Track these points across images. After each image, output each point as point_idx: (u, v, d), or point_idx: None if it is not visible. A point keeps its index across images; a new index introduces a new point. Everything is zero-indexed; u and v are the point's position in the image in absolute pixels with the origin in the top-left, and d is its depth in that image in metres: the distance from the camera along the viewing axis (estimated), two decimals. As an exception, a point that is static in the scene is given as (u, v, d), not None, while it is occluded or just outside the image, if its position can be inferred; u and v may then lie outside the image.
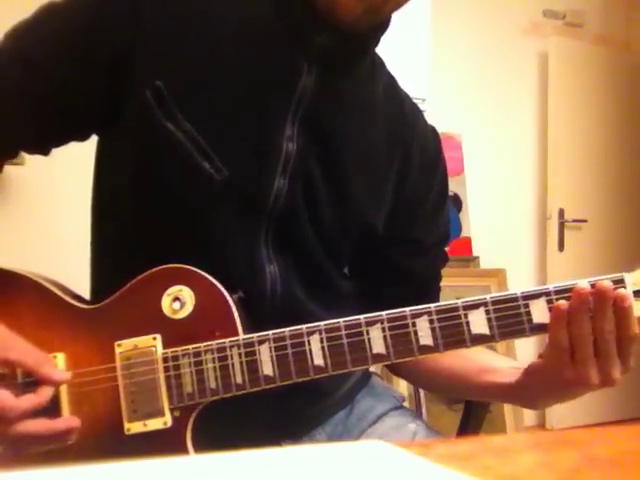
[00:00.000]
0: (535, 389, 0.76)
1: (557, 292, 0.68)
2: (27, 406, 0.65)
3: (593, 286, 0.67)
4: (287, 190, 0.76)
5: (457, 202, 3.12)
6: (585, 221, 3.37)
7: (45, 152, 0.81)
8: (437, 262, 0.94)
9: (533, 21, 3.45)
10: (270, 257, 0.77)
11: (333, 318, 0.77)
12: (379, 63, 0.88)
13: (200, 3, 0.77)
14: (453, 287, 2.48)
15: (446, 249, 0.95)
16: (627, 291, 0.66)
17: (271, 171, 0.76)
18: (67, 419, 0.69)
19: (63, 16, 0.75)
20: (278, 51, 0.76)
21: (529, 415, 3.19)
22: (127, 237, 0.79)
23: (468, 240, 3.10)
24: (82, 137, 0.80)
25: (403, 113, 0.88)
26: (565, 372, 0.68)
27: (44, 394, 0.67)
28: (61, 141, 0.80)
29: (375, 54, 0.86)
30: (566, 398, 0.74)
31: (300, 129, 0.77)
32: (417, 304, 0.86)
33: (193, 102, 0.74)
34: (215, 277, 0.72)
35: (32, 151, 0.82)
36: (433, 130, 0.92)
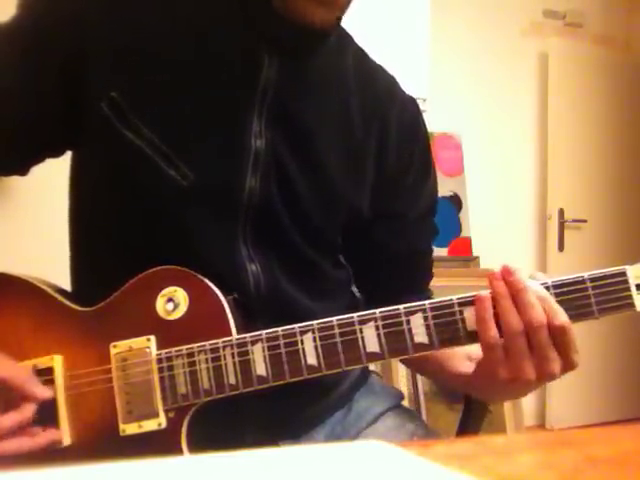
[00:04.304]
0: (481, 387, 0.75)
1: (555, 287, 0.67)
2: (11, 425, 0.66)
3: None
4: (260, 187, 0.75)
5: (457, 202, 3.12)
6: (585, 221, 3.38)
7: (24, 172, 0.81)
8: (424, 236, 0.92)
9: (533, 21, 3.45)
10: (251, 256, 0.76)
11: (327, 308, 0.77)
12: (345, 35, 0.85)
13: (151, 6, 0.75)
14: (453, 287, 2.46)
15: (434, 220, 0.92)
16: (521, 277, 0.66)
17: (241, 170, 0.75)
18: (48, 434, 0.69)
19: (9, 39, 0.74)
20: (236, 48, 0.75)
21: (529, 415, 3.19)
22: (110, 245, 0.78)
23: (468, 240, 3.10)
24: (56, 153, 0.80)
25: (376, 83, 0.86)
26: (499, 371, 0.67)
27: (27, 411, 0.67)
28: (37, 160, 0.80)
29: (341, 28, 0.83)
30: (512, 396, 0.72)
31: (268, 123, 0.76)
32: (408, 283, 0.83)
33: (152, 109, 0.73)
34: None
35: (10, 174, 0.82)
36: (411, 98, 0.90)
